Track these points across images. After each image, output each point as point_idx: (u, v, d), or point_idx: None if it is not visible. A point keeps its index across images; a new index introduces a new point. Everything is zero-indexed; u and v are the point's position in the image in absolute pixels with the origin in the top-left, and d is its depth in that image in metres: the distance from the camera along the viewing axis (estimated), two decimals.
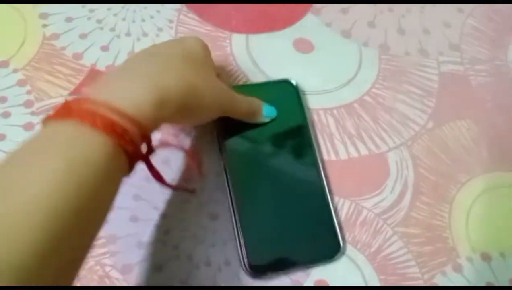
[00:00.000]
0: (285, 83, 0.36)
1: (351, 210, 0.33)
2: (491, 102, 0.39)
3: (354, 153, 0.35)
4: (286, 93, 0.36)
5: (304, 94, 0.37)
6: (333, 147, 0.35)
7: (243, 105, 0.31)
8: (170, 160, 0.34)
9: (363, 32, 0.41)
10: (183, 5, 0.40)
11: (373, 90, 0.38)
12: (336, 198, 0.33)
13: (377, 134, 0.36)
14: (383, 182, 0.34)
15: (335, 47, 0.39)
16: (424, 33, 0.41)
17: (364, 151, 0.35)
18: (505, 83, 0.40)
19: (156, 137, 0.34)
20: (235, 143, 0.33)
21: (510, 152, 0.36)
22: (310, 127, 0.34)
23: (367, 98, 0.38)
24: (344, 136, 0.36)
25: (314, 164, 0.33)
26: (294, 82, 0.36)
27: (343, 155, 0.35)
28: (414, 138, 0.36)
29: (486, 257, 0.32)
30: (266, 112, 0.33)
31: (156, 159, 0.34)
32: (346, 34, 0.40)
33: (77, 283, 0.29)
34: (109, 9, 0.40)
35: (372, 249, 0.32)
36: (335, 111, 0.37)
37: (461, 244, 0.32)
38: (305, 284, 0.30)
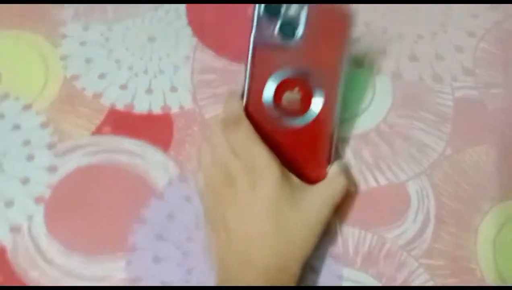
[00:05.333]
0: None
1: (373, 242, 0.33)
2: (509, 125, 0.38)
3: (373, 183, 0.35)
4: None
5: None
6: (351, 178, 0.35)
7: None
8: (191, 198, 0.34)
9: (375, 60, 0.41)
10: (199, 41, 0.41)
11: (389, 118, 0.38)
12: (357, 231, 0.33)
13: (396, 163, 0.36)
14: (404, 212, 0.34)
15: (348, 77, 0.40)
16: (436, 59, 0.41)
17: (383, 181, 0.35)
18: None
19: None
20: None
21: None
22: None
23: (383, 126, 0.38)
24: (362, 166, 0.36)
25: None
26: None
27: (362, 186, 0.35)
28: (433, 166, 0.36)
29: None
30: None
31: (178, 195, 0.34)
32: (358, 63, 0.41)
33: None
34: (127, 49, 0.41)
35: (398, 283, 0.31)
36: (351, 141, 0.37)
37: (490, 275, 0.32)
38: None
